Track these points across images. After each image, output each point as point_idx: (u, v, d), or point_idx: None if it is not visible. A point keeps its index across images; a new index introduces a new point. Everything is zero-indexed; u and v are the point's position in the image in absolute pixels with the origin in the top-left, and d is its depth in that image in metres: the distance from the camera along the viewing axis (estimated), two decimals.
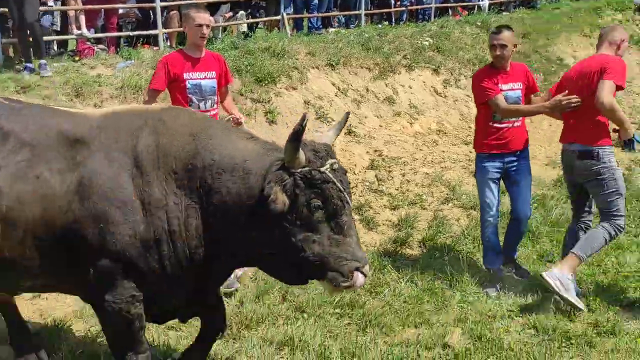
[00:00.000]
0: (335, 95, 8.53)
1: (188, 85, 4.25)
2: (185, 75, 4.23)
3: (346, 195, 2.61)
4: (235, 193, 2.63)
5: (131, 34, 9.36)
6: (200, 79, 4.29)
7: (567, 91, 4.33)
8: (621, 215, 4.18)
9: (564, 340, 3.59)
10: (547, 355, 3.40)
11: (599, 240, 4.13)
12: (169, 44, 9.35)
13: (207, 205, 2.67)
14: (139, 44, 9.05)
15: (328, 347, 3.51)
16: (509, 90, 4.56)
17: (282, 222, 2.58)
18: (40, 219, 2.57)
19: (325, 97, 8.31)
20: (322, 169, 2.58)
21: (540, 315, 3.93)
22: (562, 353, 3.47)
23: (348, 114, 3.12)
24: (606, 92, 4.02)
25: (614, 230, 4.16)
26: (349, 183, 2.77)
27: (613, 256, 4.96)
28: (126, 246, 2.57)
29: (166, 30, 9.33)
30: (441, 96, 10.00)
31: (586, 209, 4.51)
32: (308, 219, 2.57)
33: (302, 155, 2.54)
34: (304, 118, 2.48)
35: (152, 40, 9.47)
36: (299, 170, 2.55)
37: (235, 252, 2.79)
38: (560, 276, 3.92)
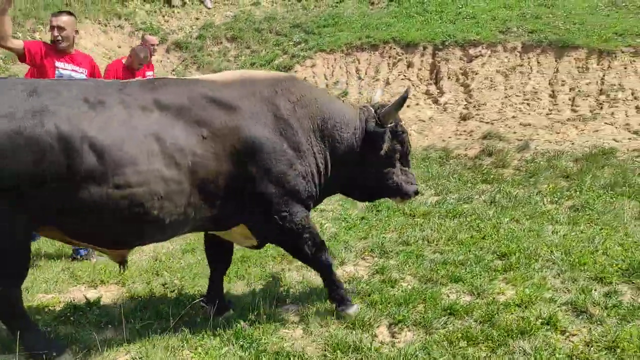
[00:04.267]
0: None
1: None
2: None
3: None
4: (350, 142, 3.69)
5: None
6: None
7: None
8: None
9: None
10: None
11: None
12: None
13: (332, 153, 3.64)
14: None
15: None
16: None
17: (376, 160, 3.77)
18: (217, 171, 3.13)
19: None
20: (400, 124, 3.87)
21: None
22: None
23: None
24: None
25: None
26: None
27: None
28: (296, 183, 3.41)
29: None
30: None
31: None
32: (391, 158, 3.82)
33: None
34: (408, 90, 3.78)
35: None
36: (391, 124, 3.77)
37: (340, 185, 3.84)
38: None
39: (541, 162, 8.60)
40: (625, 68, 11.93)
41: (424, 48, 14.04)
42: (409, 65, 13.82)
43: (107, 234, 3.01)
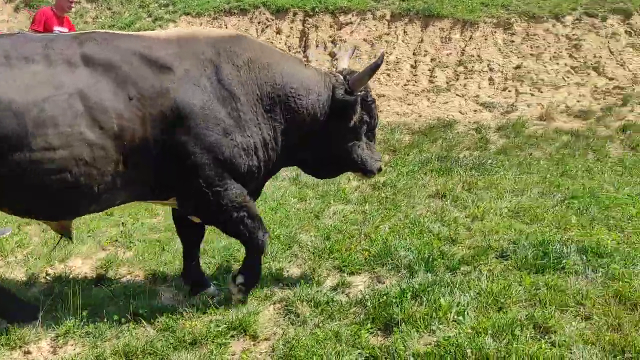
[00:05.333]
0: None
1: None
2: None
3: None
4: (312, 112, 3.35)
5: None
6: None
7: None
8: None
9: None
10: None
11: None
12: None
13: (289, 123, 3.30)
14: None
15: None
16: None
17: (342, 132, 3.46)
18: (144, 137, 2.87)
19: None
20: (370, 94, 3.59)
21: None
22: None
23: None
24: None
25: None
26: None
27: None
28: (232, 155, 3.06)
29: None
30: None
31: None
32: (357, 130, 3.52)
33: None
34: (383, 55, 3.47)
35: None
36: (360, 92, 3.43)
37: (298, 157, 3.52)
38: None
39: (377, 136, 8.25)
40: (486, 39, 11.86)
41: (294, 14, 13.39)
42: (278, 31, 13.15)
43: (36, 203, 2.84)
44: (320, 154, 3.51)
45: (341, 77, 3.48)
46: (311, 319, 3.21)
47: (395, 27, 12.62)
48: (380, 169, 3.73)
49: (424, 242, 4.25)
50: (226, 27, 13.42)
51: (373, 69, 3.40)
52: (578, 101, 9.69)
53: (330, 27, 13.10)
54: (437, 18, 12.44)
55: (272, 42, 12.95)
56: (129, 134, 2.82)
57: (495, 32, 12.04)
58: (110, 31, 3.08)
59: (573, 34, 11.76)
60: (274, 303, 3.45)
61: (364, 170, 3.64)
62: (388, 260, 3.95)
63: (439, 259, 3.92)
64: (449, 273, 3.70)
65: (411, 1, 13.08)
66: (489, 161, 6.86)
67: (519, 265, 3.83)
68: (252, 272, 3.40)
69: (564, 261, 3.80)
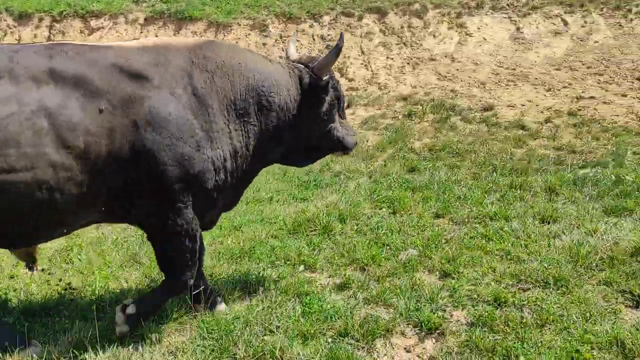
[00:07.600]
0: None
1: None
2: None
3: None
4: (284, 107, 3.29)
5: None
6: None
7: None
8: None
9: None
10: None
11: None
12: None
13: (264, 124, 3.23)
14: None
15: None
16: None
17: (317, 119, 3.46)
18: (111, 151, 2.69)
19: None
20: (333, 75, 3.55)
21: None
22: None
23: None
24: None
25: None
26: None
27: None
28: (202, 170, 2.91)
29: None
30: None
31: None
32: (331, 113, 3.53)
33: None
34: (342, 36, 3.41)
35: None
36: (327, 76, 3.41)
37: (275, 155, 3.44)
38: None
39: None
40: (238, 42, 11.22)
41: (40, 19, 12.03)
42: (19, 39, 11.71)
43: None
44: (297, 146, 3.52)
45: (302, 66, 3.45)
46: None
47: (148, 31, 11.68)
48: (356, 143, 3.83)
49: None
50: None
51: (337, 52, 3.35)
52: None
53: (81, 32, 11.91)
54: (192, 21, 11.67)
55: None
56: (96, 148, 2.65)
57: (249, 34, 11.46)
58: (85, 43, 2.92)
59: (328, 34, 11.45)
60: None
61: (343, 148, 3.71)
62: None
63: None
64: None
65: (172, 3, 12.20)
66: None
67: None
68: (150, 307, 3.16)
69: None
